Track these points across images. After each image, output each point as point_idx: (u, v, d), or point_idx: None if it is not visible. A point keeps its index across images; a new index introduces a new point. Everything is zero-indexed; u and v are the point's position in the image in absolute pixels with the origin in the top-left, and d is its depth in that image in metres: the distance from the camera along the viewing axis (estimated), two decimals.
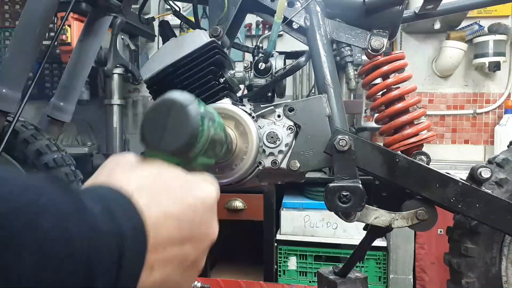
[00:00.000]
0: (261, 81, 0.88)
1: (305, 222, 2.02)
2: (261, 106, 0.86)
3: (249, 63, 0.89)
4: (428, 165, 0.82)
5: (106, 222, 0.28)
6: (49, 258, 0.24)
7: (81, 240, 0.25)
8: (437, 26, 2.29)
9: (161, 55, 0.84)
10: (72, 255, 0.25)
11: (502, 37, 2.31)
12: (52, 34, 2.17)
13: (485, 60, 2.33)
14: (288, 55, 0.97)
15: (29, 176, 0.27)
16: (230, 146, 0.52)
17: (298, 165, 0.83)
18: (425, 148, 0.86)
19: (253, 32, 2.67)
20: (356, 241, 1.05)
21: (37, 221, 0.24)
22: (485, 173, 0.79)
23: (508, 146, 0.92)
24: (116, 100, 2.42)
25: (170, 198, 0.34)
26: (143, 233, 0.30)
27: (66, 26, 1.98)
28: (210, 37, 0.85)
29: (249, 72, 0.89)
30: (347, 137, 0.79)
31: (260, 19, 2.59)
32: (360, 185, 0.78)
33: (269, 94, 0.91)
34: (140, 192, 0.32)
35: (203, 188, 0.37)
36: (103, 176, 0.35)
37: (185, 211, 0.34)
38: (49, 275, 0.24)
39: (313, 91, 2.48)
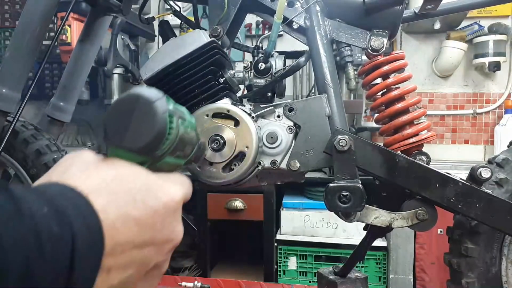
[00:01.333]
0: (261, 81, 0.88)
1: (305, 222, 2.02)
2: (261, 106, 0.86)
3: (249, 63, 0.89)
4: (428, 165, 0.82)
5: (51, 225, 0.25)
6: None
7: (16, 251, 0.23)
8: (437, 26, 2.29)
9: (161, 55, 0.84)
10: (5, 266, 0.22)
11: (502, 37, 2.31)
12: (52, 34, 2.17)
13: (485, 60, 2.33)
14: (288, 55, 0.97)
15: None
16: (202, 147, 0.49)
17: (298, 165, 0.83)
18: (425, 148, 0.86)
19: (253, 32, 2.67)
20: (356, 241, 1.05)
21: None
22: (485, 173, 0.79)
23: (508, 146, 0.92)
24: None
25: (129, 200, 0.32)
26: (99, 234, 0.28)
27: (66, 26, 1.98)
28: (210, 37, 0.85)
29: (249, 72, 0.89)
30: (347, 137, 0.79)
31: (260, 19, 2.59)
32: (360, 185, 0.78)
33: (269, 94, 0.91)
34: (97, 193, 0.30)
35: (167, 190, 0.35)
36: (57, 174, 0.33)
37: (145, 215, 0.32)
38: None
39: (313, 91, 2.48)
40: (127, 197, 0.31)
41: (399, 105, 0.87)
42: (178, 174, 0.40)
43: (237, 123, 0.80)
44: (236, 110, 0.81)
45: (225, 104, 0.82)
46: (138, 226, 0.31)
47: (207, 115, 0.81)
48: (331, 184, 0.80)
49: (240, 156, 0.81)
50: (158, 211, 0.33)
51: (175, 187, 0.37)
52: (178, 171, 0.42)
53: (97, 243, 0.28)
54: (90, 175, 0.32)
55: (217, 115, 0.81)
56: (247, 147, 0.79)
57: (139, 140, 0.34)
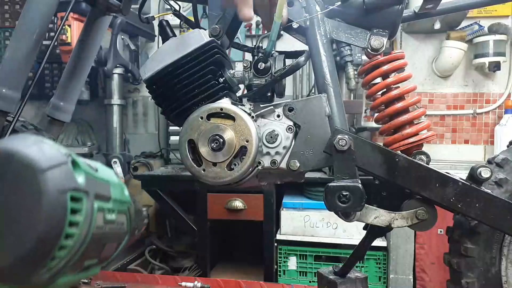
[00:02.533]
0: (261, 81, 0.88)
1: (305, 222, 2.02)
2: (261, 106, 0.86)
3: (249, 62, 0.89)
4: (428, 165, 0.82)
5: None
6: None
7: None
8: (437, 26, 2.29)
9: (160, 55, 0.84)
10: None
11: (502, 37, 2.31)
12: (52, 34, 2.17)
13: (485, 60, 2.33)
14: (288, 54, 0.97)
15: None
16: (139, 226, 0.30)
17: (298, 164, 0.83)
18: (425, 148, 0.86)
19: (253, 32, 2.67)
20: (356, 241, 1.05)
21: None
22: (485, 173, 0.79)
23: (508, 146, 0.92)
24: (116, 100, 2.43)
25: None
26: None
27: (66, 26, 1.98)
28: (210, 37, 0.85)
29: (249, 72, 0.89)
30: (346, 136, 0.79)
31: (260, 19, 2.58)
32: (360, 185, 0.78)
33: (269, 94, 0.91)
34: None
35: None
36: None
37: None
38: None
39: (313, 91, 2.48)
40: None
41: (399, 105, 0.87)
42: None
43: (234, 119, 0.80)
44: (230, 107, 0.80)
45: (224, 103, 0.82)
46: None
47: (202, 118, 0.81)
48: (330, 184, 0.79)
49: (241, 154, 0.81)
50: None
51: None
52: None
53: None
54: None
55: (214, 115, 0.81)
56: (247, 141, 0.79)
57: (5, 254, 0.18)
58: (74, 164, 0.19)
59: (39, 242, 0.17)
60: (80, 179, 0.19)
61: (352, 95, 2.34)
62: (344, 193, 0.78)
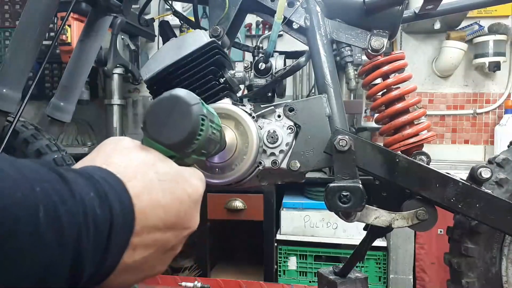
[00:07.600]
0: (261, 81, 0.88)
1: (305, 222, 2.02)
2: (261, 106, 0.86)
3: (249, 63, 0.89)
4: (428, 165, 0.82)
5: (96, 208, 0.31)
6: (42, 245, 0.27)
7: (71, 227, 0.28)
8: (437, 26, 2.29)
9: (161, 55, 0.84)
10: (61, 242, 0.28)
11: (502, 37, 2.31)
12: (52, 34, 2.17)
13: (485, 60, 2.33)
14: (288, 55, 0.97)
15: (26, 165, 0.29)
16: (222, 145, 0.55)
17: (298, 165, 0.83)
18: (425, 148, 0.86)
19: (253, 32, 2.67)
20: (356, 241, 1.06)
21: (34, 210, 0.27)
22: (485, 173, 0.79)
23: (508, 146, 0.92)
24: (116, 100, 2.42)
25: (160, 189, 0.36)
26: (131, 217, 0.33)
27: (66, 26, 1.98)
28: (210, 37, 0.85)
29: (249, 72, 0.89)
30: (347, 137, 0.79)
31: (260, 19, 2.59)
32: (360, 185, 0.78)
33: (269, 94, 0.91)
34: (134, 180, 0.35)
35: (191, 183, 0.40)
36: (101, 158, 0.37)
37: (172, 203, 0.37)
38: (42, 260, 0.27)
39: (313, 91, 2.48)
40: (159, 187, 0.37)
41: (399, 105, 0.87)
42: (197, 169, 0.44)
43: (237, 123, 0.80)
44: (236, 110, 0.81)
45: (224, 104, 0.82)
46: (164, 212, 0.36)
47: None
48: (331, 184, 0.79)
49: (241, 155, 0.81)
50: (183, 201, 0.39)
51: (198, 181, 0.42)
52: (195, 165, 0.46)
53: (128, 225, 0.33)
54: (130, 162, 0.37)
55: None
56: (247, 146, 0.79)
57: (174, 137, 0.40)
58: (202, 104, 0.43)
59: (190, 132, 0.40)
60: (205, 110, 0.43)
61: (352, 95, 2.34)
62: (345, 194, 0.78)
